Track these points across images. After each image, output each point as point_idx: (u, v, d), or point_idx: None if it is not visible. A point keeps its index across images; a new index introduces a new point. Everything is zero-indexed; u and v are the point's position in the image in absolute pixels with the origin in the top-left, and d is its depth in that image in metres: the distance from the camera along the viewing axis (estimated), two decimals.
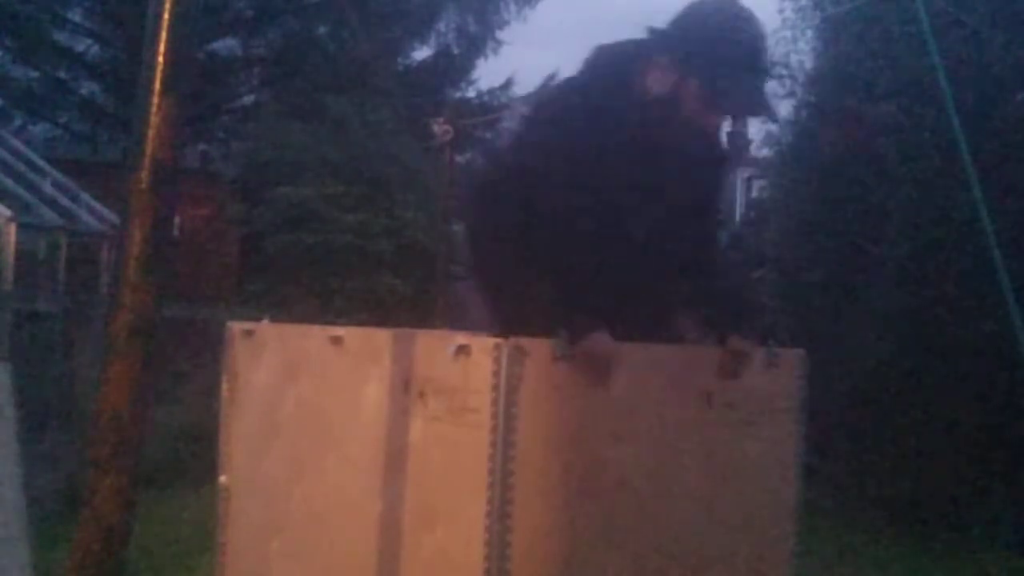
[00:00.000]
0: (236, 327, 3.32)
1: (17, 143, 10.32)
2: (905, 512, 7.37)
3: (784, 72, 9.42)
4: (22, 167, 9.31)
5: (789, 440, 2.85)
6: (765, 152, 11.25)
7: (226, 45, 17.15)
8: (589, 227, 2.45)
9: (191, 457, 7.19)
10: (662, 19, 2.65)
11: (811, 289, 8.64)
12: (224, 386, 3.30)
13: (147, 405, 2.88)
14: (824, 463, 7.50)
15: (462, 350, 2.46)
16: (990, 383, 7.19)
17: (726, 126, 2.81)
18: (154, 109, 2.81)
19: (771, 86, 9.51)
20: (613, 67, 2.59)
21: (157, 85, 2.79)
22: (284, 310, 9.65)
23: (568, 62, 2.77)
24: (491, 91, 19.53)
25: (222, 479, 3.30)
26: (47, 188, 9.27)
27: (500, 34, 19.01)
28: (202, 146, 16.37)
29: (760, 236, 12.10)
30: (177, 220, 12.26)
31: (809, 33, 9.37)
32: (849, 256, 8.29)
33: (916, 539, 7.16)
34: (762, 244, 10.85)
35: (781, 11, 9.35)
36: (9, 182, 8.62)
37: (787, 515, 2.86)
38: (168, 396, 8.17)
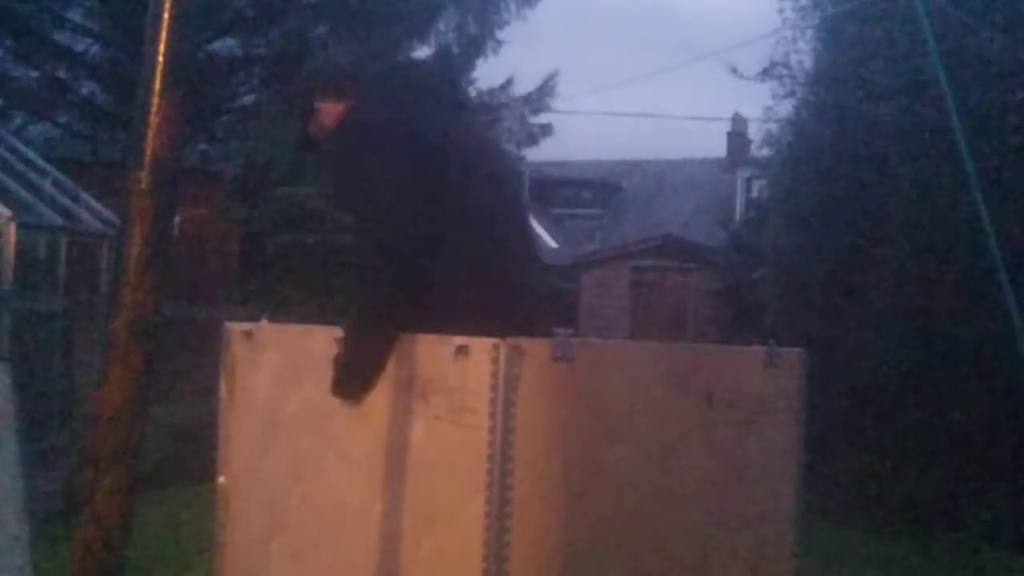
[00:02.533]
0: (234, 327, 3.32)
1: (17, 143, 10.31)
2: (905, 512, 7.37)
3: (784, 72, 9.44)
4: (22, 167, 9.30)
5: (789, 439, 2.85)
6: (765, 152, 11.26)
7: (226, 45, 17.13)
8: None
9: (191, 457, 7.18)
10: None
11: (811, 288, 8.65)
12: (222, 387, 3.30)
13: (147, 405, 2.88)
14: (824, 463, 7.51)
15: (461, 350, 2.46)
16: (990, 383, 7.20)
17: None
18: (154, 109, 2.81)
19: (771, 86, 9.54)
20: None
21: (157, 85, 2.79)
22: (284, 310, 9.65)
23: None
24: (491, 91, 19.53)
25: (221, 480, 3.30)
26: (47, 188, 9.25)
27: (500, 34, 19.01)
28: (202, 146, 16.36)
29: (760, 236, 12.10)
30: (177, 220, 12.24)
31: (809, 33, 9.38)
32: (849, 256, 8.29)
33: (916, 539, 7.17)
34: (762, 244, 10.86)
35: (781, 11, 9.37)
36: (9, 182, 8.61)
37: (787, 515, 2.86)
38: (168, 396, 8.17)
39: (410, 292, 2.62)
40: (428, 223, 2.64)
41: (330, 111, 3.00)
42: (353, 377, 2.70)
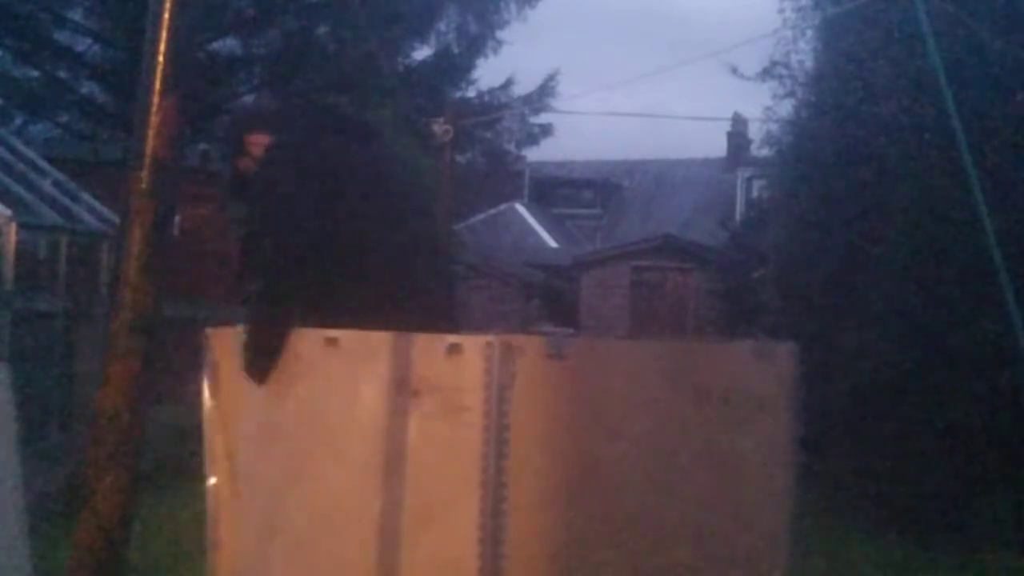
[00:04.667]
0: (216, 332, 3.32)
1: (17, 143, 10.31)
2: (905, 512, 7.36)
3: (784, 72, 9.44)
4: (22, 167, 9.30)
5: (782, 432, 2.85)
6: (765, 152, 11.25)
7: (226, 45, 17.14)
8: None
9: (191, 457, 7.16)
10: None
11: (811, 288, 8.65)
12: (206, 391, 3.29)
13: (147, 405, 2.89)
14: (824, 463, 7.50)
15: (454, 349, 2.47)
16: (990, 383, 7.19)
17: None
18: (154, 109, 2.81)
19: (771, 86, 9.55)
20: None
21: (157, 85, 2.80)
22: None
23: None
24: (491, 91, 19.53)
25: (211, 481, 3.30)
26: (47, 188, 9.26)
27: (500, 34, 19.02)
28: (202, 146, 16.37)
29: (760, 236, 12.10)
30: (177, 220, 12.24)
31: (809, 33, 9.38)
32: (849, 256, 8.29)
33: (916, 539, 7.16)
34: (762, 244, 10.86)
35: (781, 11, 9.37)
36: (9, 182, 8.61)
37: (783, 510, 2.86)
38: (168, 396, 8.16)
39: (300, 288, 3.04)
40: (319, 231, 3.07)
41: (258, 141, 3.43)
42: (260, 358, 3.02)
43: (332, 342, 2.86)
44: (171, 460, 7.40)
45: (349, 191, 3.22)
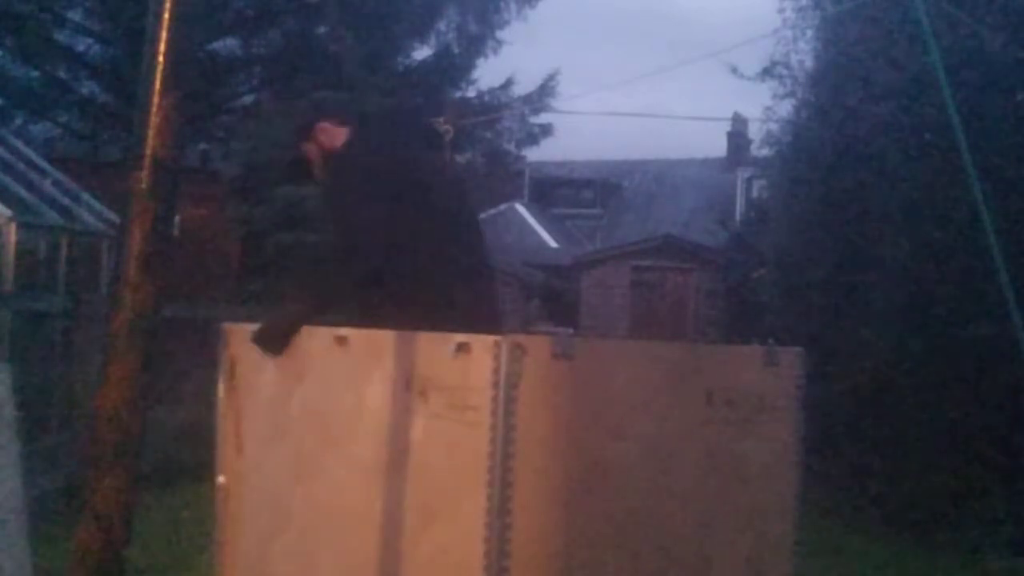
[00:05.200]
0: (232, 328, 3.32)
1: (17, 143, 10.30)
2: (905, 512, 7.37)
3: (784, 72, 9.44)
4: (22, 167, 9.30)
5: (788, 438, 2.85)
6: (765, 152, 11.25)
7: (226, 45, 17.13)
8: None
9: (191, 457, 7.18)
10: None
11: (811, 288, 8.65)
12: (220, 387, 3.29)
13: (147, 404, 2.89)
14: (824, 463, 7.50)
15: (462, 348, 2.47)
16: (990, 383, 7.19)
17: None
18: (154, 109, 2.81)
19: (771, 86, 9.55)
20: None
21: (157, 85, 2.80)
22: None
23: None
24: (491, 91, 19.52)
25: (220, 479, 3.29)
26: (47, 188, 9.25)
27: (500, 34, 19.00)
28: (202, 146, 16.35)
29: (760, 236, 12.11)
30: (177, 220, 12.24)
31: (809, 33, 9.39)
32: (849, 256, 8.29)
33: (916, 539, 7.16)
34: (762, 244, 10.86)
35: (781, 11, 9.37)
36: (9, 182, 8.60)
37: (787, 513, 2.86)
38: (168, 396, 8.16)
39: (348, 289, 3.12)
40: (382, 242, 3.10)
41: (330, 131, 3.43)
42: (285, 335, 3.07)
43: (341, 340, 2.86)
44: (171, 460, 7.40)
45: (424, 199, 3.23)
